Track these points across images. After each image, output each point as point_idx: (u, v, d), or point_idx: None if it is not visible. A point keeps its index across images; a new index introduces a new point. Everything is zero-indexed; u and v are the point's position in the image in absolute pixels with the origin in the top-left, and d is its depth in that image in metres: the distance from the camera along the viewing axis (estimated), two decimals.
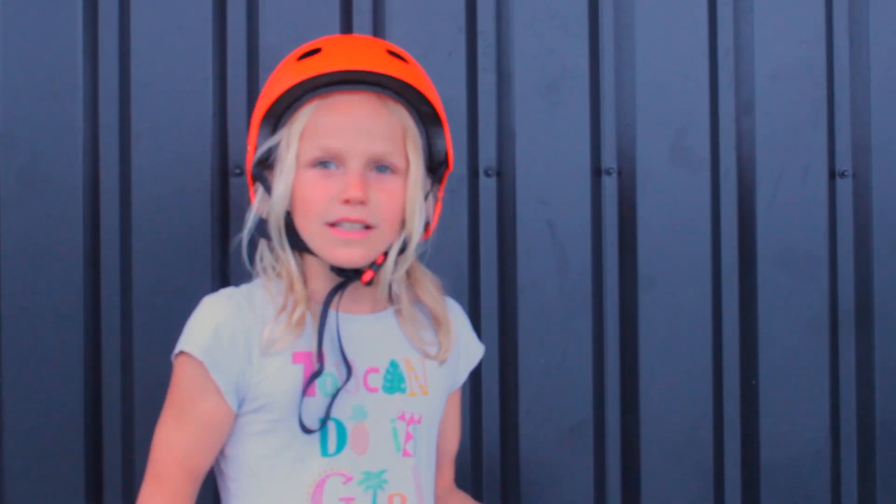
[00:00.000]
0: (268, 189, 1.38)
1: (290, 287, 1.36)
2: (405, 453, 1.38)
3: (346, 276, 1.37)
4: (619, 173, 1.82)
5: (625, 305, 1.82)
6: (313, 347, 1.34)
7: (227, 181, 1.74)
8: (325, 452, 1.33)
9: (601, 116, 1.81)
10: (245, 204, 1.71)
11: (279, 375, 1.33)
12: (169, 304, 1.68)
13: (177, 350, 1.35)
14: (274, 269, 1.38)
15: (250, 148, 1.39)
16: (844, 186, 1.87)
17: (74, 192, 1.71)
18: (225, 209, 1.72)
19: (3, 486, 1.71)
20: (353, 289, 1.39)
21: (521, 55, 1.79)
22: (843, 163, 1.87)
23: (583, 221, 1.80)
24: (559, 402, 1.79)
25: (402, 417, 1.38)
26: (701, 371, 1.83)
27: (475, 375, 1.77)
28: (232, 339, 1.33)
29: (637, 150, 1.82)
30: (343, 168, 1.34)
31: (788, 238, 1.84)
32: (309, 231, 1.35)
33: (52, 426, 1.70)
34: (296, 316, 1.34)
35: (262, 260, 1.40)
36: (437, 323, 1.44)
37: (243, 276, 1.43)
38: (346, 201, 1.33)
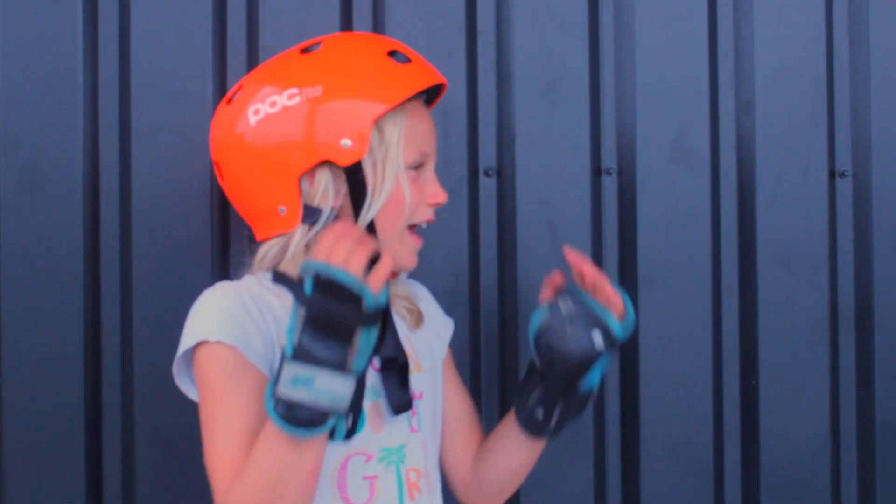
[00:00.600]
0: (359, 188, 1.37)
1: None
2: (412, 429, 1.42)
3: None
4: (619, 173, 1.82)
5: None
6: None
7: None
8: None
9: (601, 116, 1.81)
10: None
11: None
12: (169, 304, 1.68)
13: (194, 341, 1.32)
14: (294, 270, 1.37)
15: (358, 145, 1.35)
16: (844, 186, 1.87)
17: (74, 192, 1.71)
18: (225, 209, 1.72)
19: (3, 486, 1.71)
20: None
21: (521, 55, 1.79)
22: (843, 163, 1.87)
23: (583, 221, 1.80)
24: None
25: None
26: (701, 371, 1.83)
27: (475, 375, 1.77)
28: (260, 315, 1.33)
29: (637, 150, 1.82)
30: (422, 170, 1.42)
31: (788, 238, 1.84)
32: (392, 233, 1.39)
33: (52, 426, 1.70)
34: None
35: (293, 257, 1.38)
36: (410, 303, 1.51)
37: (235, 277, 1.43)
38: (437, 203, 1.43)
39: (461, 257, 1.77)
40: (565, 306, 1.39)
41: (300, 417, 1.18)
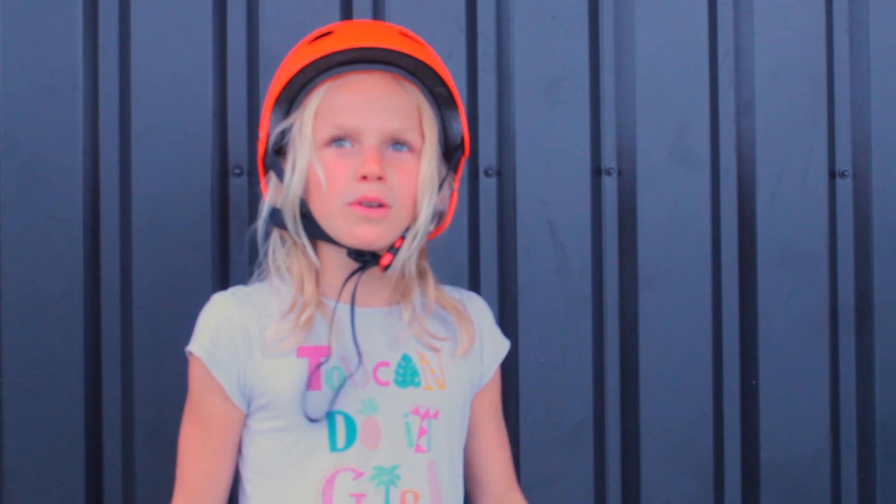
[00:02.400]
0: (280, 175, 1.35)
1: (300, 286, 1.35)
2: (418, 448, 1.35)
3: (364, 261, 1.34)
4: (619, 173, 1.82)
5: (625, 305, 1.82)
6: (320, 341, 1.32)
7: (227, 181, 1.74)
8: (333, 447, 1.31)
9: (601, 116, 1.81)
10: (244, 204, 1.73)
11: (283, 370, 1.32)
12: (169, 304, 1.68)
13: (187, 349, 1.36)
14: (285, 265, 1.37)
15: (262, 134, 1.36)
16: (844, 186, 1.87)
17: (74, 192, 1.71)
18: (225, 209, 1.72)
19: (3, 486, 1.71)
20: (367, 280, 1.36)
21: (521, 55, 1.79)
22: (843, 163, 1.87)
23: (583, 221, 1.80)
24: (559, 402, 1.79)
25: (415, 412, 1.35)
26: (701, 371, 1.83)
27: None
28: (231, 338, 1.33)
29: (637, 150, 1.82)
30: (358, 146, 1.32)
31: (788, 238, 1.84)
32: (328, 212, 1.32)
33: (52, 426, 1.70)
34: (303, 318, 1.32)
35: (273, 256, 1.38)
36: (458, 318, 1.41)
37: (243, 277, 1.43)
38: (364, 178, 1.30)
39: (461, 257, 1.77)
40: None
41: None
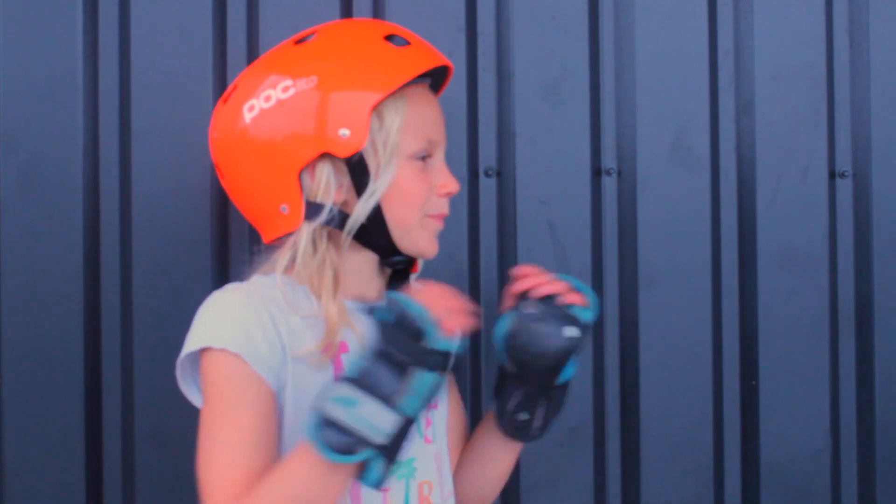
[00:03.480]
0: (361, 181, 1.32)
1: (326, 306, 1.31)
2: (426, 440, 1.37)
3: (402, 268, 1.39)
4: (619, 173, 1.82)
5: (625, 305, 1.82)
6: (342, 338, 1.32)
7: None
8: None
9: (601, 116, 1.81)
10: None
11: (313, 374, 1.29)
12: (169, 305, 1.68)
13: (197, 346, 1.28)
14: (306, 273, 1.33)
15: (357, 134, 1.30)
16: (844, 186, 1.87)
17: (74, 192, 1.71)
18: (225, 209, 1.72)
19: (3, 486, 1.71)
20: (367, 276, 1.38)
21: (521, 55, 1.79)
22: (843, 163, 1.87)
23: (583, 221, 1.80)
24: None
25: None
26: (701, 371, 1.83)
27: (475, 377, 1.77)
28: (262, 327, 1.28)
29: (637, 150, 1.82)
30: (431, 159, 1.36)
31: (788, 238, 1.84)
32: (407, 224, 1.34)
33: (52, 426, 1.70)
34: (335, 339, 1.31)
35: (302, 259, 1.33)
36: None
37: (244, 277, 1.43)
38: (449, 193, 1.37)
39: (461, 257, 1.77)
40: (529, 308, 1.35)
41: (335, 440, 1.14)
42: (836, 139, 1.86)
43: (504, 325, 1.36)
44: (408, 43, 1.37)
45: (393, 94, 1.31)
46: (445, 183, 1.36)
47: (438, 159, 1.36)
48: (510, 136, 1.79)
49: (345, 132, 1.30)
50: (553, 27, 1.80)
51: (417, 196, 1.33)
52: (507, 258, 1.79)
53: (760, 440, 1.84)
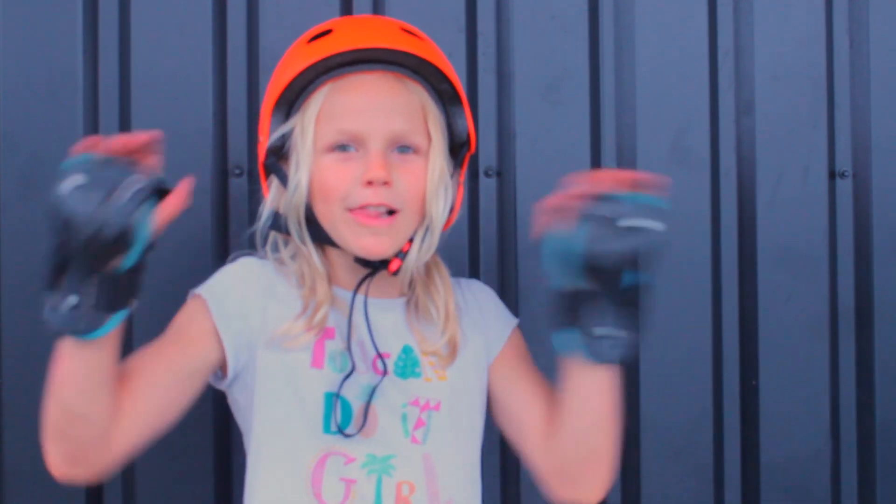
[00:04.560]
0: (283, 180, 1.34)
1: (312, 288, 1.34)
2: (413, 440, 1.34)
3: (373, 266, 1.34)
4: None
5: None
6: (332, 325, 1.33)
7: (227, 181, 1.74)
8: (327, 429, 1.31)
9: (601, 116, 1.81)
10: (244, 204, 1.73)
11: (289, 353, 1.32)
12: (169, 305, 1.67)
13: (193, 293, 1.34)
14: (292, 266, 1.36)
15: (262, 138, 1.35)
16: (844, 186, 1.87)
17: None
18: (225, 209, 1.72)
19: (3, 486, 1.71)
20: (347, 268, 1.37)
21: (521, 55, 1.79)
22: (843, 163, 1.87)
23: None
24: None
25: (415, 402, 1.35)
26: (701, 371, 1.83)
27: None
28: (251, 299, 1.32)
29: (637, 150, 1.82)
30: (363, 150, 1.30)
31: (788, 238, 1.84)
32: (331, 219, 1.31)
33: None
34: (318, 318, 1.32)
35: (274, 255, 1.37)
36: (444, 319, 1.39)
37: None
38: (369, 183, 1.28)
39: (461, 257, 1.77)
40: (601, 210, 1.18)
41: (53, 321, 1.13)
42: (836, 139, 1.86)
43: (578, 238, 1.18)
44: (329, 32, 1.34)
45: (315, 89, 1.32)
46: (364, 172, 1.29)
47: (372, 149, 1.30)
48: (510, 136, 1.79)
49: (261, 138, 1.36)
50: (553, 27, 1.80)
51: (332, 189, 1.30)
52: (507, 258, 1.79)
53: (760, 440, 1.84)
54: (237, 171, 1.73)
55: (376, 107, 1.32)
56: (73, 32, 1.72)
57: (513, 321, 1.48)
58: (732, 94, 1.84)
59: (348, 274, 1.37)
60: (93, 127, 1.72)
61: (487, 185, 1.79)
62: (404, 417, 1.34)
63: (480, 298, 1.47)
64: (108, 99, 1.72)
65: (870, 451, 1.86)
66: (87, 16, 1.72)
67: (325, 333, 1.33)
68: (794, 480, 1.84)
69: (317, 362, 1.32)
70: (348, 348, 1.32)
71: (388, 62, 1.33)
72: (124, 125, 1.72)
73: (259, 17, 1.74)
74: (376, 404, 1.33)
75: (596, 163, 1.81)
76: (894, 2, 1.88)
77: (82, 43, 1.72)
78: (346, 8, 1.75)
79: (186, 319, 1.33)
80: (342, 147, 1.31)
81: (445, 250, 1.73)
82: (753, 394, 1.84)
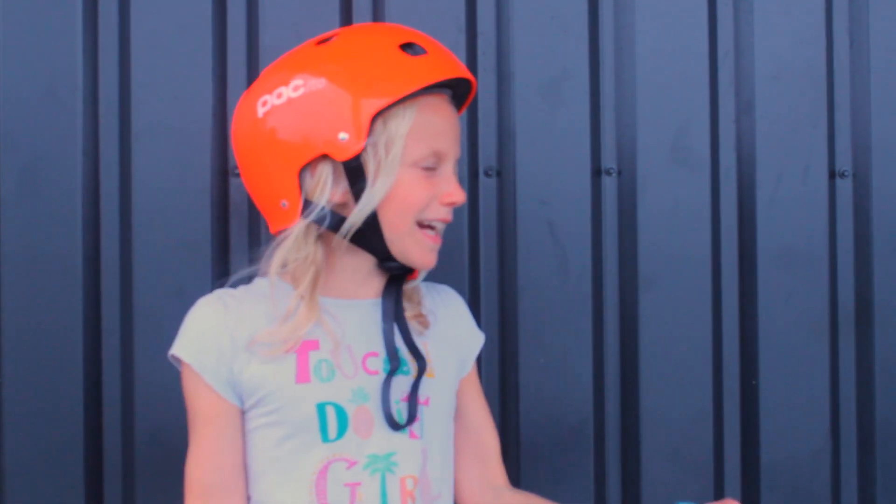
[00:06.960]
0: (359, 184, 1.33)
1: (308, 294, 1.35)
2: (412, 435, 1.37)
3: (400, 273, 1.40)
4: (619, 173, 1.82)
5: (625, 305, 1.82)
6: (309, 335, 1.35)
7: (227, 181, 1.74)
8: (325, 438, 1.33)
9: (601, 116, 1.81)
10: (244, 204, 1.72)
11: (271, 366, 1.34)
12: (169, 304, 1.68)
13: (172, 352, 1.38)
14: (296, 270, 1.37)
15: (356, 139, 1.32)
16: (844, 186, 1.87)
17: (74, 192, 1.71)
18: (225, 209, 1.72)
19: (3, 486, 1.71)
20: (357, 273, 1.40)
21: (521, 55, 1.79)
22: (843, 163, 1.87)
23: (583, 221, 1.80)
24: (559, 402, 1.79)
25: (406, 399, 1.37)
26: (701, 371, 1.83)
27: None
28: (217, 340, 1.34)
29: (637, 150, 1.82)
30: (439, 168, 1.37)
31: (788, 238, 1.84)
32: (399, 230, 1.35)
33: (52, 426, 1.70)
34: (301, 332, 1.34)
35: (286, 256, 1.36)
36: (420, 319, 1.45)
37: (243, 277, 1.43)
38: (452, 203, 1.38)
39: (461, 257, 1.77)
40: None
41: None
42: (836, 139, 1.86)
43: None
44: (424, 52, 1.37)
45: (403, 102, 1.33)
46: (450, 192, 1.38)
47: (447, 170, 1.38)
48: (510, 136, 1.79)
49: (344, 136, 1.32)
50: (553, 27, 1.80)
51: (413, 204, 1.36)
52: (507, 258, 1.79)
53: (760, 440, 1.84)
54: (237, 171, 1.73)
55: (456, 130, 1.41)
56: (73, 33, 1.72)
57: (481, 337, 1.56)
58: (732, 93, 1.84)
59: (359, 281, 1.41)
60: (93, 127, 1.72)
61: (487, 185, 1.79)
62: (399, 414, 1.37)
63: (452, 307, 1.53)
64: (108, 99, 1.72)
65: (870, 451, 1.86)
66: (87, 16, 1.72)
67: (306, 346, 1.35)
68: (794, 480, 1.84)
69: (302, 377, 1.34)
70: (391, 354, 1.37)
71: (449, 86, 1.42)
72: (124, 125, 1.72)
73: (259, 17, 1.74)
74: (369, 405, 1.36)
75: (596, 162, 1.81)
76: (894, 2, 1.88)
77: (82, 43, 1.72)
78: (346, 8, 1.75)
79: (198, 401, 1.37)
80: (427, 166, 1.36)
81: (445, 250, 1.73)
82: (753, 394, 1.84)
